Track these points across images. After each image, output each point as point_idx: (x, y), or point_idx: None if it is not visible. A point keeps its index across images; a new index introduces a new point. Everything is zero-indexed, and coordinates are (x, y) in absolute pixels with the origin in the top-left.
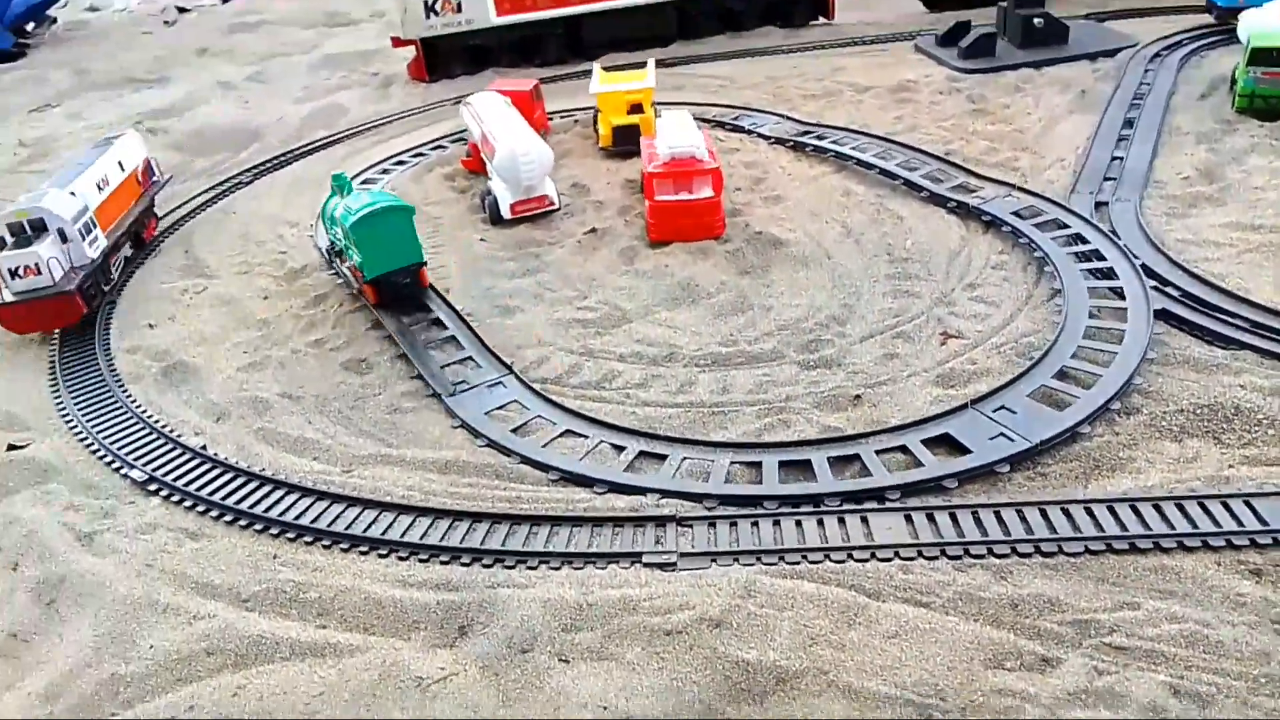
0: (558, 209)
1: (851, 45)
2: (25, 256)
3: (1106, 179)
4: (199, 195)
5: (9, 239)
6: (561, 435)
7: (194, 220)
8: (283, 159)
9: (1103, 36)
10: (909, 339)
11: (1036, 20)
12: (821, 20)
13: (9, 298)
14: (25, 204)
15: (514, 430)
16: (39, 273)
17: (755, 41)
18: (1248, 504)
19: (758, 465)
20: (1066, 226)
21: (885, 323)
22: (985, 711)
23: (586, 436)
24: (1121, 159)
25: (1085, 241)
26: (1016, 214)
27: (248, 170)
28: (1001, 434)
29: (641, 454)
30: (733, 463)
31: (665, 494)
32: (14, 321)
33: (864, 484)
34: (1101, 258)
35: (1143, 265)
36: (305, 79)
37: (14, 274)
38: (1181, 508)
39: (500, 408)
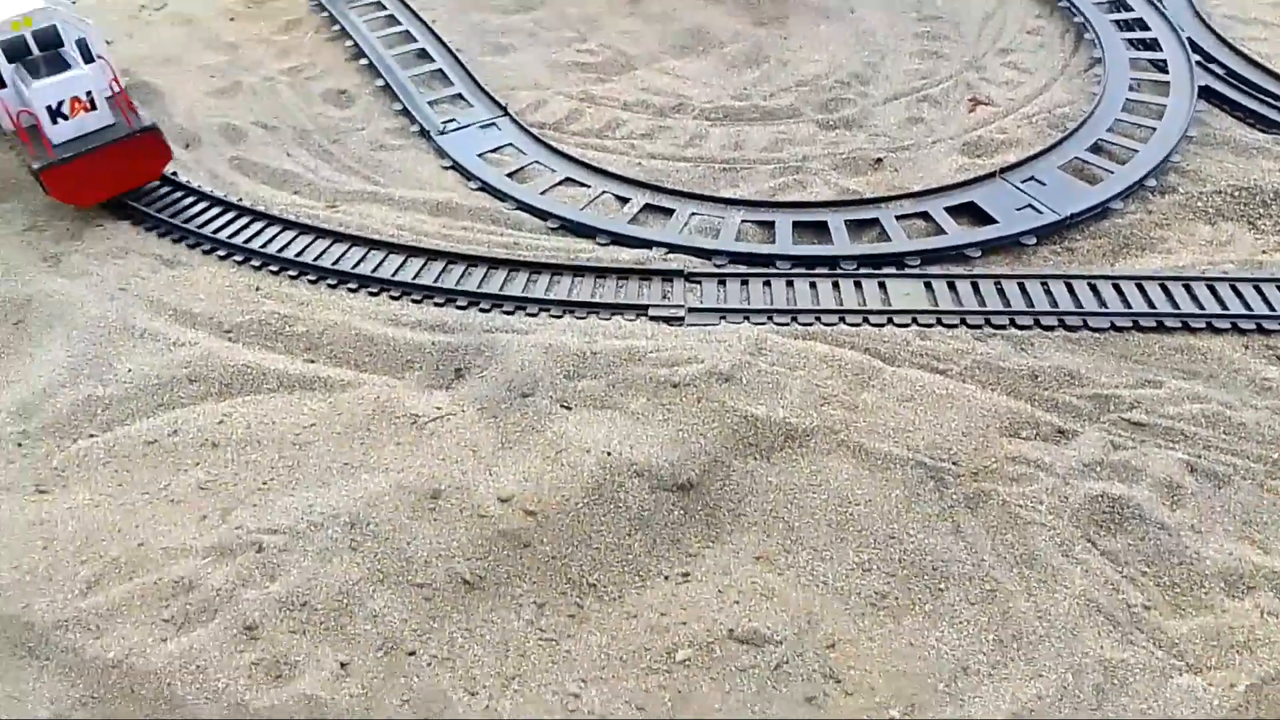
0: None
1: None
2: (70, 84)
3: None
4: None
5: (10, 68)
6: (561, 183)
7: None
8: None
9: None
10: (935, 103)
11: None
12: None
13: (57, 154)
14: (20, 10)
15: (510, 174)
16: (92, 107)
17: None
18: None
19: (770, 225)
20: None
21: (911, 84)
22: (998, 478)
23: (588, 186)
24: None
25: (1128, 9)
26: None
27: None
28: (1029, 205)
29: (647, 206)
30: (744, 221)
31: (672, 248)
32: (73, 187)
33: (882, 248)
34: (1145, 28)
35: (1188, 39)
36: None
37: (57, 113)
38: (1212, 289)
39: (494, 150)
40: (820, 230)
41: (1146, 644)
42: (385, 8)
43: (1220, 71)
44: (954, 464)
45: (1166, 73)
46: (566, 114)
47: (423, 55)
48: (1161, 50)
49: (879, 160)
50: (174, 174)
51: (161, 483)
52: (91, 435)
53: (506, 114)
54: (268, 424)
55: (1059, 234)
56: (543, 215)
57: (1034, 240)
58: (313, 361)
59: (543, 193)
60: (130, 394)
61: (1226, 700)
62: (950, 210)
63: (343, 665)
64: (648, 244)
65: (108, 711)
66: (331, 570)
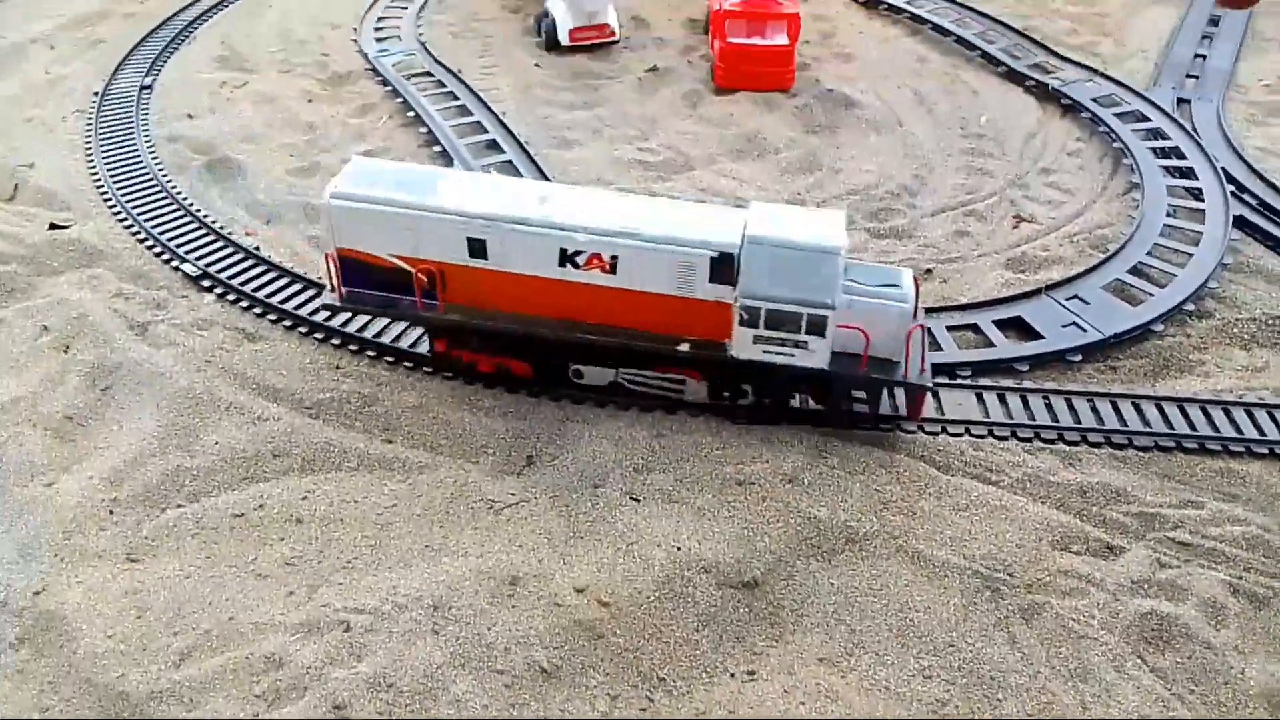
0: (617, 41)
1: None
2: None
3: (1189, 76)
4: None
5: None
6: None
7: (227, 8)
8: None
9: None
10: (981, 218)
11: None
12: None
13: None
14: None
15: None
16: None
17: None
18: None
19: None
20: (1147, 119)
21: (958, 198)
22: (1051, 590)
23: None
24: (1204, 57)
25: (1165, 137)
26: (1096, 100)
27: None
28: (1074, 323)
29: None
30: None
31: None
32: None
33: (935, 358)
34: (1182, 156)
35: (1222, 169)
36: None
37: None
38: (1250, 414)
39: None
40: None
41: None
42: (458, 98)
43: (1253, 202)
44: (1009, 575)
45: (1202, 200)
46: None
47: (493, 146)
48: (1197, 179)
49: (929, 270)
50: (256, 248)
51: (249, 557)
52: (179, 505)
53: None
54: (350, 502)
55: (1101, 353)
56: None
57: (1079, 357)
58: (390, 442)
59: None
60: (216, 466)
61: None
62: (998, 323)
63: None
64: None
65: None
66: (416, 653)
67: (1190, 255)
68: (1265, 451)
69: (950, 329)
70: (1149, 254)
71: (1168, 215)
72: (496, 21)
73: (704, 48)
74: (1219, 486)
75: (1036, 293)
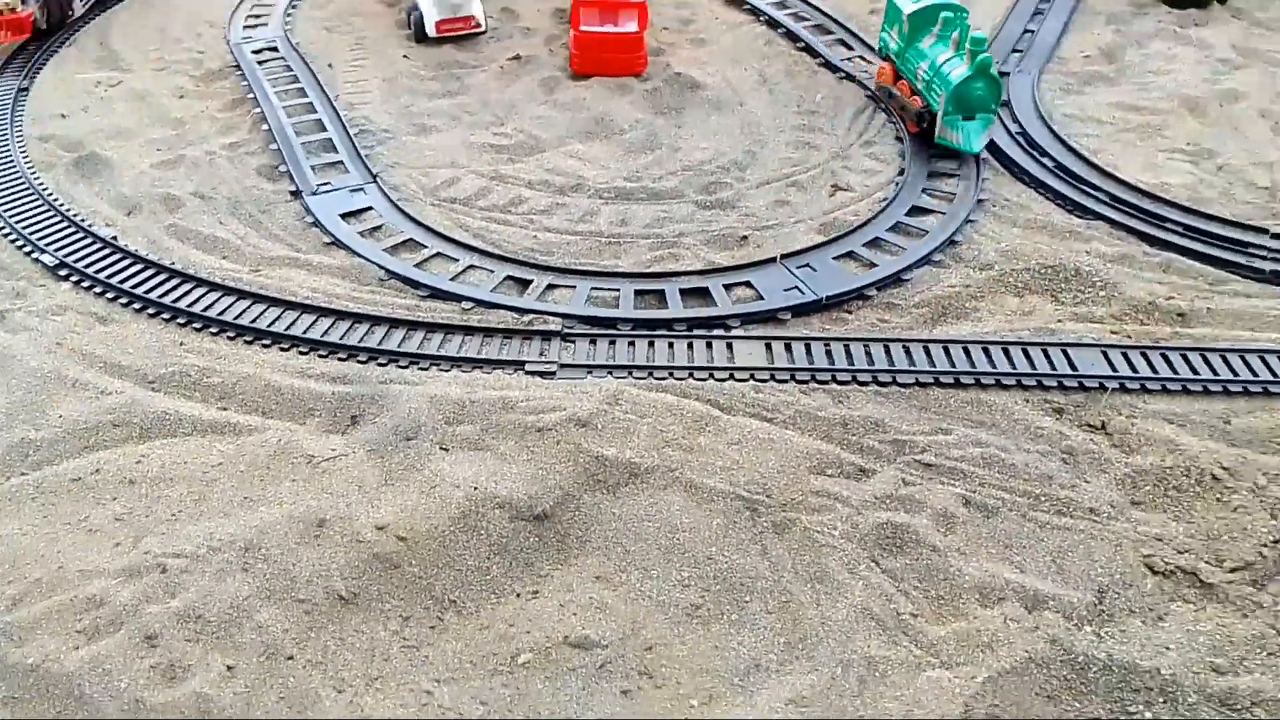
0: (484, 31)
1: None
2: None
3: (1014, 50)
4: None
5: None
6: (434, 256)
7: (112, 10)
8: None
9: None
10: (802, 188)
11: None
12: None
13: None
14: None
15: (386, 250)
16: None
17: None
18: (1064, 352)
19: (617, 291)
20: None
21: (783, 171)
22: (803, 509)
23: (457, 259)
24: (1033, 32)
25: None
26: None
27: None
28: (795, 287)
29: (508, 278)
30: (593, 289)
31: (529, 311)
32: None
33: (709, 312)
34: None
35: (1023, 134)
36: None
37: None
38: (1006, 351)
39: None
40: (660, 296)
41: (908, 644)
42: (306, 95)
43: (1050, 164)
44: (767, 496)
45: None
46: (475, 191)
47: (319, 125)
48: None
49: (744, 237)
50: (113, 238)
51: (82, 515)
52: (23, 474)
53: (374, 180)
54: (180, 463)
55: (886, 303)
56: (415, 285)
57: (789, 315)
58: (225, 409)
59: (417, 265)
60: (60, 437)
61: (967, 689)
62: (728, 286)
63: (229, 668)
64: (508, 308)
65: (27, 710)
66: (225, 588)
67: (925, 234)
68: (1013, 383)
69: (726, 287)
70: (889, 230)
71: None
72: (372, 16)
73: (566, 37)
74: (968, 415)
75: (772, 260)
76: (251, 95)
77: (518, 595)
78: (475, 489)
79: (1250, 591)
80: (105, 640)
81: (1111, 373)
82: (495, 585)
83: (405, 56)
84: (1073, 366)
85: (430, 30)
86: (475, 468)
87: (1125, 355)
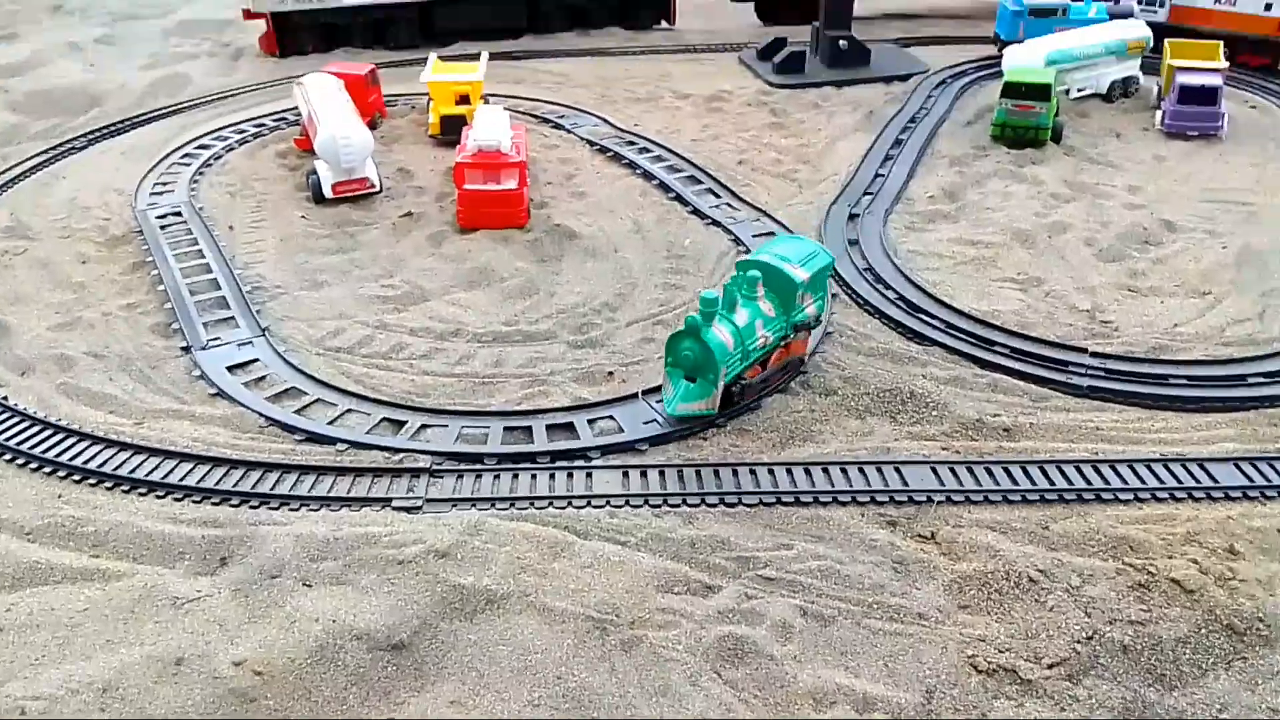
0: (379, 191)
1: (685, 52)
2: None
3: (866, 193)
4: (32, 158)
5: None
6: (314, 402)
7: (24, 183)
8: (120, 126)
9: (901, 61)
10: (668, 326)
11: (841, 42)
12: (664, 24)
13: None
14: None
15: (269, 398)
16: None
17: (600, 41)
18: (897, 469)
19: (487, 429)
20: None
21: (651, 311)
22: (650, 625)
23: (335, 404)
24: (884, 176)
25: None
26: (755, 236)
27: (83, 136)
28: (655, 420)
29: (384, 420)
30: (463, 427)
31: (399, 450)
32: None
33: (572, 444)
34: None
35: (870, 270)
36: (156, 45)
37: None
38: (844, 471)
39: (244, 365)
40: (528, 432)
41: None
42: (204, 255)
43: (893, 296)
44: (616, 615)
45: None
46: (359, 339)
47: (214, 284)
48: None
49: (610, 373)
50: (4, 398)
51: None
52: None
53: (263, 334)
54: (47, 610)
55: (738, 429)
56: (291, 429)
57: (646, 446)
58: (97, 557)
59: (297, 411)
60: None
61: None
62: (591, 421)
63: None
64: (380, 448)
65: None
66: None
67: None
68: (849, 499)
69: (590, 422)
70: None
71: None
72: (274, 180)
73: (456, 194)
74: (808, 530)
75: (634, 396)
76: (151, 259)
77: None
78: (334, 622)
79: (1066, 686)
80: None
81: (940, 487)
82: (351, 714)
83: (303, 217)
84: (905, 482)
85: (327, 191)
86: (335, 601)
87: (953, 470)
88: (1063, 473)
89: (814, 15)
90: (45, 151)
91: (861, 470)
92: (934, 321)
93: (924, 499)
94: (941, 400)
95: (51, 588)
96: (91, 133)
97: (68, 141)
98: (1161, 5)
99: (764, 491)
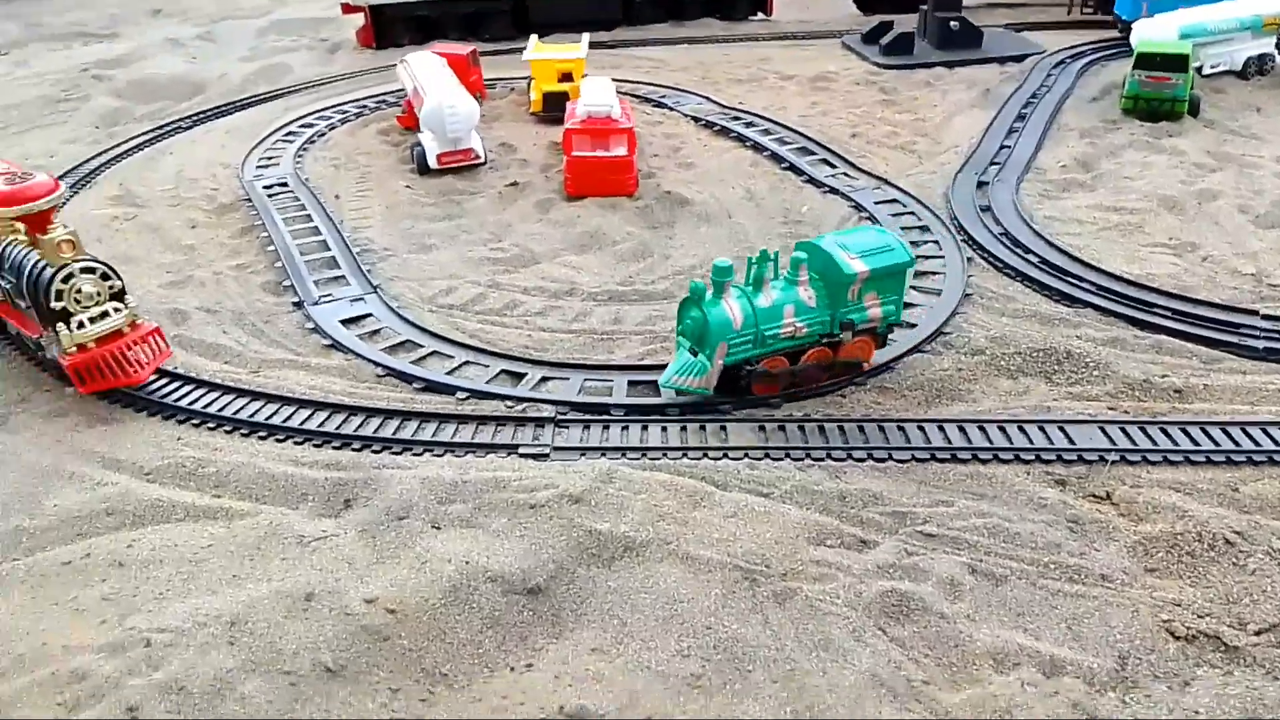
0: (483, 163)
1: (783, 39)
2: None
3: (992, 163)
4: (138, 137)
5: None
6: (430, 354)
7: (131, 158)
8: (223, 109)
9: (1014, 43)
10: None
11: (953, 23)
12: (760, 15)
13: None
14: None
15: (384, 350)
16: None
17: (694, 31)
18: (1061, 429)
19: (610, 382)
20: (917, 216)
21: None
22: (803, 578)
23: (452, 356)
24: (1009, 148)
25: (928, 230)
26: (877, 203)
27: (187, 117)
28: None
29: (503, 371)
30: (586, 380)
31: (522, 400)
32: None
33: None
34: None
35: (1006, 234)
36: (253, 40)
37: None
38: (1003, 429)
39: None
40: (653, 386)
41: (922, 711)
42: (312, 219)
43: (1035, 260)
44: (766, 567)
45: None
46: (472, 297)
47: (323, 245)
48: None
49: None
50: None
51: (70, 595)
52: (15, 559)
53: (375, 291)
54: (170, 546)
55: (876, 386)
56: (409, 379)
57: (781, 402)
58: (218, 496)
59: (414, 361)
60: (53, 525)
61: None
62: None
63: None
64: (505, 398)
65: None
66: (209, 661)
67: (914, 325)
68: (1011, 457)
69: None
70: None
71: None
72: (378, 155)
73: (561, 165)
74: (968, 488)
75: None
76: (260, 223)
77: (511, 669)
78: (467, 564)
79: (1278, 654)
80: (86, 713)
81: (1112, 446)
82: (487, 658)
83: (408, 187)
84: (1071, 441)
85: (432, 162)
86: (467, 544)
87: (1124, 430)
88: (1248, 434)
89: (913, 6)
90: (150, 131)
91: (1022, 428)
92: (1082, 284)
93: (1095, 458)
94: (1102, 360)
95: (174, 525)
96: (195, 114)
97: (173, 122)
98: None
99: (916, 447)
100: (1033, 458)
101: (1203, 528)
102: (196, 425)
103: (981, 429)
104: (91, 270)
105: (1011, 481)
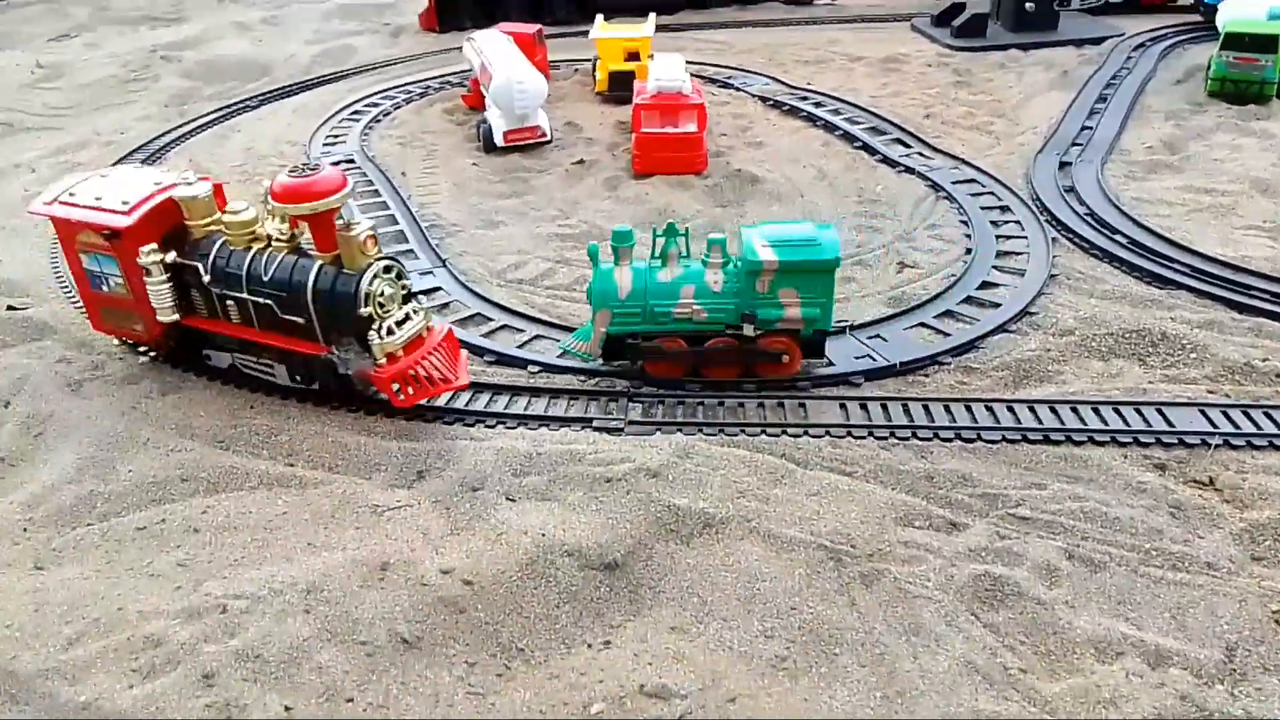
0: (550, 141)
1: (850, 22)
2: None
3: (1074, 144)
4: (207, 115)
5: None
6: (501, 328)
7: (200, 135)
8: (289, 89)
9: (1092, 26)
10: (868, 266)
11: (1028, 4)
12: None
13: None
14: None
15: (453, 324)
16: None
17: (759, 14)
18: (1160, 411)
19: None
20: (997, 196)
21: (848, 251)
22: (891, 559)
23: (523, 330)
24: (1091, 129)
25: (1009, 210)
26: (955, 183)
27: (255, 97)
28: (867, 355)
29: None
30: None
31: (595, 374)
32: None
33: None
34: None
35: (1092, 215)
36: (318, 24)
37: None
38: (1097, 410)
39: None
40: None
41: (1020, 701)
42: (380, 194)
43: (1123, 240)
44: (852, 547)
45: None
46: (542, 272)
47: (391, 220)
48: (1026, 236)
49: None
50: None
51: (146, 560)
52: (89, 524)
53: (444, 264)
54: (245, 513)
55: (965, 366)
56: (480, 351)
57: (862, 380)
58: (292, 465)
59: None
60: (128, 490)
61: None
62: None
63: (287, 709)
64: (575, 371)
65: None
66: (285, 629)
67: (997, 306)
68: (1107, 440)
69: None
70: (961, 302)
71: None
72: (443, 133)
73: (629, 143)
74: (1062, 470)
75: (842, 331)
76: None
77: (588, 645)
78: (543, 536)
79: None
80: (161, 679)
81: (1214, 430)
82: (565, 634)
83: (474, 164)
84: (1170, 424)
85: (499, 140)
86: (543, 516)
87: (1226, 414)
88: None
89: None
90: (218, 110)
91: (1117, 410)
92: (1174, 266)
93: (1197, 442)
94: (1198, 343)
95: (248, 492)
96: (263, 94)
97: (240, 102)
98: None
99: (1006, 428)
100: (1130, 440)
101: None
102: (269, 394)
103: (1074, 410)
104: (389, 270)
105: (1108, 465)
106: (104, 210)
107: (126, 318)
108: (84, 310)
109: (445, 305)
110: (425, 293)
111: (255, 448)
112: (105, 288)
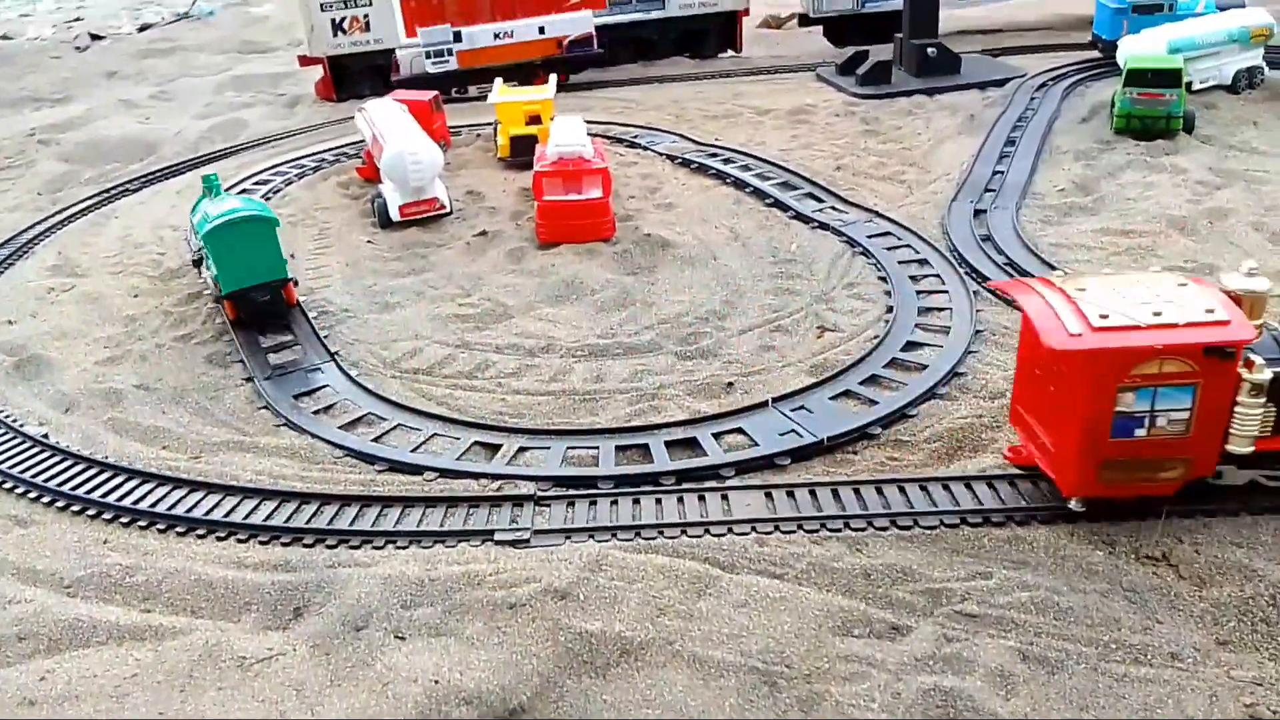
0: (449, 213)
1: (756, 75)
2: None
3: (987, 190)
4: (82, 202)
5: None
6: (394, 428)
7: (73, 224)
8: (175, 169)
9: (993, 68)
10: (786, 332)
11: (930, 50)
12: (730, 52)
13: None
14: None
15: (341, 427)
16: None
17: (665, 70)
18: None
19: (596, 449)
20: (914, 249)
21: (765, 317)
22: (831, 678)
23: (419, 429)
24: (1003, 173)
25: (928, 264)
26: (870, 237)
27: (137, 179)
28: (793, 430)
29: (475, 444)
30: (568, 448)
31: (498, 477)
32: None
33: (699, 463)
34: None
35: (1011, 265)
36: (210, 97)
37: None
38: (1036, 484)
39: (311, 392)
40: (644, 451)
41: None
42: None
43: None
44: (786, 667)
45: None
46: (440, 360)
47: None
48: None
49: (730, 384)
50: (44, 436)
51: None
52: None
53: (332, 359)
54: (89, 678)
55: (895, 440)
56: (370, 459)
57: (789, 460)
58: (149, 611)
59: (375, 439)
60: None
61: None
62: (715, 435)
63: None
64: (474, 475)
65: None
66: None
67: (925, 367)
68: (1049, 516)
69: (715, 436)
70: (885, 366)
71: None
72: (337, 209)
73: (533, 211)
74: (1007, 555)
75: (764, 405)
76: (209, 290)
77: None
78: (436, 683)
79: None
80: None
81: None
82: None
83: (369, 242)
84: None
85: (394, 214)
86: (436, 657)
87: None
88: None
89: (886, 36)
90: (96, 195)
91: None
92: None
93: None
94: None
95: (95, 650)
96: (145, 175)
97: (120, 185)
98: None
99: (944, 511)
100: (1076, 515)
101: (1275, 590)
102: (127, 524)
103: (1012, 484)
104: None
105: (1055, 545)
106: (1189, 326)
107: (1151, 467)
108: None
109: (331, 406)
110: (311, 392)
111: (107, 592)
112: (1140, 432)
